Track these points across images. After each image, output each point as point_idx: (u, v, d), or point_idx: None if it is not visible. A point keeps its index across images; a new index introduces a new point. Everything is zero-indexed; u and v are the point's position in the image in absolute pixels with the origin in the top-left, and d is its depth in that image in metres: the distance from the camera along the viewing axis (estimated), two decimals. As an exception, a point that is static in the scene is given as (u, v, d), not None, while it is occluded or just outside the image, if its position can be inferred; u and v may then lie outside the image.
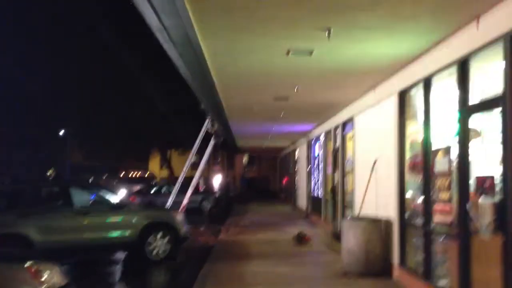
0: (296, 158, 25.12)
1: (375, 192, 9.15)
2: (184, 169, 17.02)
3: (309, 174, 19.65)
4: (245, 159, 59.89)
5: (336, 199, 13.50)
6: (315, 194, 18.00)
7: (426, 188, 6.77)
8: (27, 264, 4.45)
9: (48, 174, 40.48)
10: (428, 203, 6.72)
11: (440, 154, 6.46)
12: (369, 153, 9.84)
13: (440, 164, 6.42)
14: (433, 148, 6.69)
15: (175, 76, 11.08)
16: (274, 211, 23.74)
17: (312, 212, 18.52)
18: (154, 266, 10.26)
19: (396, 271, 7.89)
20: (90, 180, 33.62)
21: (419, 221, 7.15)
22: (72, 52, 30.94)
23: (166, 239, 10.68)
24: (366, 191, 9.52)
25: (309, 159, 19.78)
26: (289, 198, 28.25)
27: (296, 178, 25.03)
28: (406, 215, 7.73)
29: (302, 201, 21.78)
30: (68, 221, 9.91)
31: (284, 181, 32.65)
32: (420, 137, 7.15)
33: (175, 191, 17.15)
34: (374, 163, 9.24)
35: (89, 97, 32.26)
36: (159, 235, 10.63)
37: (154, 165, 53.31)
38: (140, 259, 10.50)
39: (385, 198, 8.60)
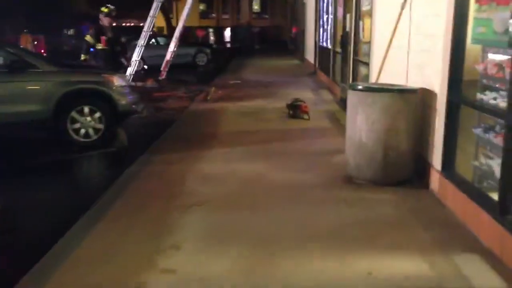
0: (303, 1, 20.79)
1: (407, 44, 5.52)
2: (151, 14, 13.17)
3: (318, 19, 15.70)
4: (255, 4, 54.70)
5: (347, 52, 9.88)
6: (324, 45, 14.27)
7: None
8: None
9: None
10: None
11: None
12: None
13: None
14: None
15: None
16: (277, 66, 20.25)
17: (320, 69, 14.97)
18: (77, 154, 7.11)
19: (437, 181, 4.60)
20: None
21: (494, 97, 3.67)
22: None
23: (97, 114, 7.45)
24: (390, 42, 5.90)
25: None
26: (297, 50, 24.45)
27: (305, 26, 20.96)
28: (464, 84, 4.22)
29: (311, 54, 18.10)
30: None
31: (294, 30, 28.47)
32: None
33: (142, 42, 13.73)
34: (408, -7, 5.49)
35: None
36: (86, 110, 7.39)
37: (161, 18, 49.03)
38: (64, 143, 7.39)
39: (423, 54, 5.02)
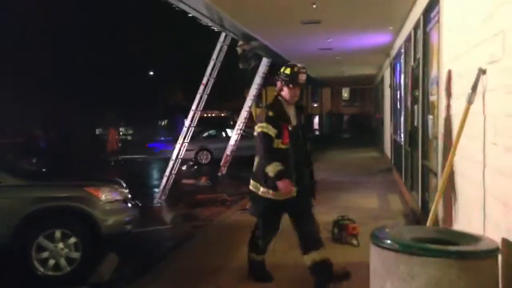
0: (383, 88, 18.83)
1: (481, 156, 3.32)
2: (193, 107, 11.70)
3: (393, 109, 13.60)
4: (345, 93, 53.69)
5: (416, 153, 7.64)
6: (397, 139, 12.04)
7: None
8: None
9: None
10: None
11: None
12: (472, 55, 3.90)
13: None
14: None
15: None
16: (352, 160, 18.06)
17: (395, 166, 12.63)
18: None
19: None
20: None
21: None
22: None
23: (72, 239, 5.78)
24: (453, 151, 3.70)
25: (392, 87, 13.64)
26: (379, 140, 22.18)
27: (383, 115, 18.85)
28: None
29: (388, 147, 15.84)
30: None
31: (377, 117, 26.33)
32: None
33: (181, 140, 11.93)
34: (480, 74, 3.36)
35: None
36: (57, 234, 5.75)
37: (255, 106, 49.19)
38: (28, 276, 5.74)
39: (504, 178, 2.80)
